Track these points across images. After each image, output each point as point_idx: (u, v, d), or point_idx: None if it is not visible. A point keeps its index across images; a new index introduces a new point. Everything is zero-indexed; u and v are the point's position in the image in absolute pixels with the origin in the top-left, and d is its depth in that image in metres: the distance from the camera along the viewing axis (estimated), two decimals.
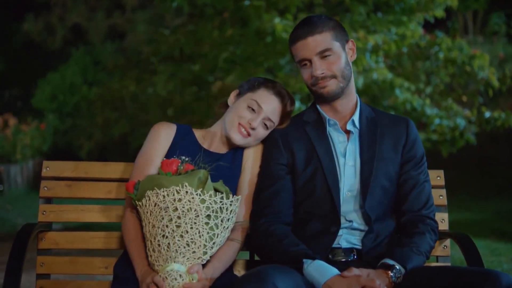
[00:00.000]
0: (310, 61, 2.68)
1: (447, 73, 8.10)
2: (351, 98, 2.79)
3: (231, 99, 2.88)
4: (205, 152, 2.82)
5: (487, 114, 8.04)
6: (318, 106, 2.80)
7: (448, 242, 2.98)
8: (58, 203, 2.96)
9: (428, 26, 9.32)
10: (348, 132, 2.76)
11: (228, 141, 2.84)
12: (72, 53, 19.09)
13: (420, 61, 8.19)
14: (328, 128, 2.76)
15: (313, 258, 2.51)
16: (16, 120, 16.38)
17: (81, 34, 19.15)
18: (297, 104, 7.68)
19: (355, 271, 2.43)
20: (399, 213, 2.75)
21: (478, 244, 2.78)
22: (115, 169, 2.96)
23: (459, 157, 11.23)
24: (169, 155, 2.78)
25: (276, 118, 2.81)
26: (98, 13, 18.74)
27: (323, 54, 2.66)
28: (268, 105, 2.79)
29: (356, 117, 2.77)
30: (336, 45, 2.68)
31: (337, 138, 2.76)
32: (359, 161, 2.72)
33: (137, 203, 2.59)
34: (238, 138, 2.79)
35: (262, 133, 2.81)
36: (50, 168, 2.97)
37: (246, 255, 2.91)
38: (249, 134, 2.78)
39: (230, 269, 2.73)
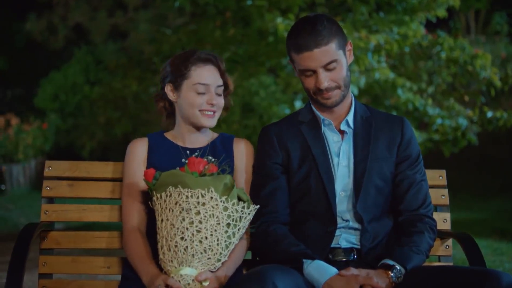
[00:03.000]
0: (314, 71, 2.65)
1: (449, 73, 8.09)
2: (347, 99, 2.78)
3: (171, 95, 2.83)
4: (184, 150, 2.83)
5: (489, 114, 8.03)
6: (313, 107, 2.80)
7: (450, 241, 2.97)
8: (60, 203, 2.96)
9: (430, 26, 9.32)
10: (342, 132, 2.76)
11: (200, 132, 2.86)
12: (74, 52, 19.12)
13: (422, 60, 8.18)
14: (323, 128, 2.76)
15: (313, 258, 2.52)
16: (18, 120, 16.42)
17: (83, 33, 19.16)
18: (299, 104, 7.68)
19: (353, 270, 2.44)
20: (397, 213, 2.74)
21: (480, 244, 2.78)
22: (117, 168, 2.95)
23: (461, 157, 11.23)
24: (149, 165, 2.79)
25: (220, 81, 2.81)
26: (100, 13, 18.76)
27: (329, 66, 2.64)
28: (210, 76, 2.78)
29: (350, 117, 2.76)
30: (340, 54, 2.66)
31: (332, 138, 2.75)
32: (353, 161, 2.72)
33: (154, 193, 2.55)
34: (209, 122, 2.80)
35: (222, 101, 2.82)
36: (52, 167, 2.97)
37: (248, 255, 2.91)
38: (214, 111, 2.80)
39: (240, 270, 2.73)
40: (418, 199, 2.72)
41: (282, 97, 8.77)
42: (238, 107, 9.23)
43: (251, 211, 2.54)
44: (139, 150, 2.84)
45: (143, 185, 2.73)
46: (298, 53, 2.65)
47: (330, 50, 2.62)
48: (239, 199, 2.54)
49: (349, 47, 2.74)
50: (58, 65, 18.98)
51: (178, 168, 2.58)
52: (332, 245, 2.65)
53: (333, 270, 2.47)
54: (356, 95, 7.26)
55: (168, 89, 2.83)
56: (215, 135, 2.93)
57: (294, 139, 2.77)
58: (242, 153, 2.86)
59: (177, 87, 2.80)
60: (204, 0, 8.29)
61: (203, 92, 2.77)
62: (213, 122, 2.81)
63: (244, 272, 2.81)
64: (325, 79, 2.64)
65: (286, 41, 2.73)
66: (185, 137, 2.86)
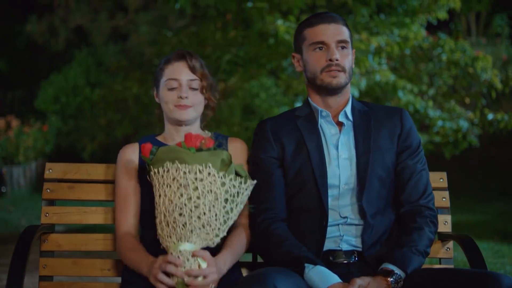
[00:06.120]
0: (327, 46, 2.70)
1: (450, 75, 8.10)
2: (345, 96, 2.80)
3: (156, 98, 2.89)
4: None
5: (490, 116, 8.03)
6: (310, 100, 2.81)
7: (451, 244, 2.97)
8: (61, 205, 2.96)
9: (431, 28, 9.32)
10: (340, 124, 2.76)
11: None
12: (75, 54, 19.10)
13: (423, 63, 8.19)
14: (320, 120, 2.76)
15: (315, 263, 2.52)
16: (19, 122, 16.39)
17: (84, 35, 19.15)
18: (300, 105, 7.67)
19: (358, 282, 2.43)
20: (398, 204, 2.74)
21: (481, 246, 2.78)
22: None
23: (462, 159, 11.22)
24: (141, 169, 2.78)
25: (193, 75, 2.80)
26: (101, 15, 18.75)
27: (341, 45, 2.71)
28: (179, 72, 2.79)
29: (348, 109, 2.77)
30: (350, 44, 2.75)
31: (329, 131, 2.76)
32: (355, 153, 2.72)
33: (151, 168, 2.55)
34: (182, 115, 2.79)
35: (197, 97, 2.81)
36: (53, 170, 2.97)
37: (249, 257, 2.91)
38: (187, 105, 2.78)
39: (238, 270, 2.73)
40: (418, 189, 2.73)
41: (282, 99, 8.78)
42: (238, 109, 9.23)
43: (248, 186, 2.54)
44: (128, 157, 2.84)
45: (134, 192, 2.77)
46: (312, 26, 2.73)
47: (344, 31, 2.73)
48: (237, 174, 2.54)
49: (353, 53, 2.82)
50: (59, 67, 18.95)
51: (175, 144, 2.58)
52: (333, 247, 2.64)
53: (334, 278, 2.47)
54: (357, 97, 7.26)
55: (154, 93, 2.90)
56: (208, 134, 2.91)
57: (289, 133, 2.78)
58: (238, 152, 2.85)
59: (157, 88, 2.86)
60: (205, 2, 8.30)
61: (174, 87, 2.78)
62: (186, 116, 2.79)
63: (244, 274, 2.81)
64: (337, 53, 2.69)
65: (297, 29, 2.80)
66: (175, 138, 2.85)
